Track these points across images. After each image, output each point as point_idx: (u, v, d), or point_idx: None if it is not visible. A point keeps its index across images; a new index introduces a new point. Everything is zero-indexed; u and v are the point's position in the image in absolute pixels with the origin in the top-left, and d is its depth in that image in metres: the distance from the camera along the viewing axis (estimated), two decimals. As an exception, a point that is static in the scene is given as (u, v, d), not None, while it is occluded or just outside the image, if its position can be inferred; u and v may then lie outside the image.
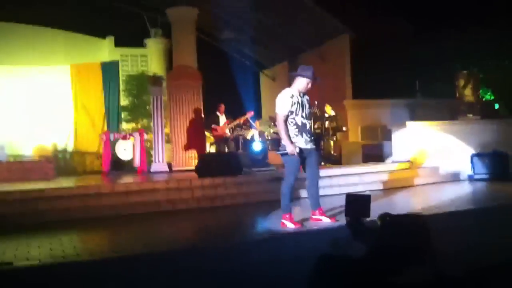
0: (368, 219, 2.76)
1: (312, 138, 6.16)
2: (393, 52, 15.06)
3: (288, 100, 5.96)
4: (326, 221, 6.12)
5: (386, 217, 2.52)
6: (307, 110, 6.08)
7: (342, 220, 6.22)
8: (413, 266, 2.27)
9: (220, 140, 12.67)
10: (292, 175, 6.00)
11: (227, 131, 12.57)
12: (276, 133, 14.56)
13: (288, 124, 6.01)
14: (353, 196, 2.62)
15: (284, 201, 6.02)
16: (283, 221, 5.97)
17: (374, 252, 2.38)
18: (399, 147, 11.64)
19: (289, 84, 6.24)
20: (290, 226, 5.91)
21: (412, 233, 2.35)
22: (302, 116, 6.01)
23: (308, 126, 6.06)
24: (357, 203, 2.55)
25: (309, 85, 6.04)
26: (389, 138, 12.08)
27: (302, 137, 5.99)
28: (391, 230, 2.42)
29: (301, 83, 6.04)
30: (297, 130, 6.00)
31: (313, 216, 6.22)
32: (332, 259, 2.44)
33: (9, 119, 14.83)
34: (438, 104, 14.48)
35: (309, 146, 6.07)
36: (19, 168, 11.93)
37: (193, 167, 10.89)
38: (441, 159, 11.11)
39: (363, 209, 2.51)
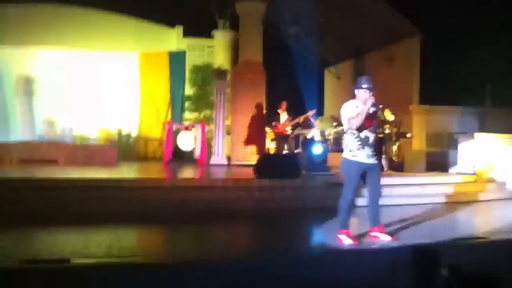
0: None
1: (374, 152, 5.98)
2: (465, 55, 14.48)
3: (354, 110, 5.81)
4: (385, 239, 5.94)
5: (455, 273, 2.37)
6: (373, 123, 5.90)
7: (401, 239, 6.08)
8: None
9: (280, 138, 12.61)
10: (351, 191, 5.85)
11: (288, 128, 12.48)
12: (338, 133, 14.37)
13: (350, 136, 5.86)
14: (422, 250, 2.47)
15: (342, 216, 5.87)
16: (340, 236, 5.85)
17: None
18: (465, 158, 11.21)
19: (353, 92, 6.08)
20: (347, 242, 5.77)
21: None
22: (366, 129, 5.84)
23: (371, 139, 5.87)
24: (426, 257, 2.41)
25: (369, 95, 5.84)
26: (455, 147, 11.65)
27: (364, 150, 5.82)
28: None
29: (361, 94, 5.87)
30: (360, 143, 5.82)
31: (371, 233, 6.05)
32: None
33: (77, 102, 15.29)
34: (509, 115, 13.82)
35: (371, 160, 5.89)
36: (83, 151, 12.32)
37: (251, 162, 10.89)
38: (510, 175, 10.63)
39: (432, 264, 2.37)
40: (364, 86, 5.84)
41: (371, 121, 5.84)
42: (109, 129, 15.68)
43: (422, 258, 2.41)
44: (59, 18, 15.15)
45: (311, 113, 12.32)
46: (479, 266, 2.43)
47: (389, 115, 12.07)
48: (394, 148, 12.04)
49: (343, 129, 6.11)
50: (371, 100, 5.74)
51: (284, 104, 12.74)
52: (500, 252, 5.74)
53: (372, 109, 5.80)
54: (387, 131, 11.86)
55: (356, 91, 5.93)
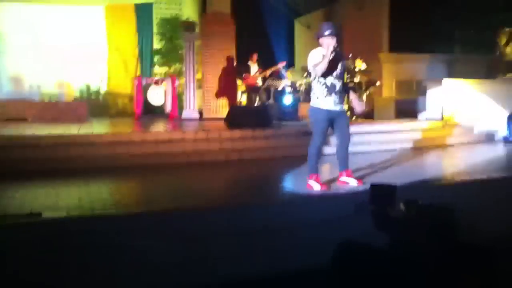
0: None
1: (342, 99, 6.02)
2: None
3: (319, 58, 5.80)
4: (353, 183, 6.08)
5: (411, 206, 2.45)
6: (338, 70, 5.90)
7: (370, 183, 6.21)
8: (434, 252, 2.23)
9: (251, 90, 12.59)
10: (319, 137, 5.92)
11: (258, 80, 12.46)
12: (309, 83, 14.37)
13: (317, 84, 5.89)
14: (378, 186, 2.55)
15: (311, 162, 5.98)
16: (309, 182, 5.95)
17: (395, 244, 2.34)
18: (433, 104, 11.37)
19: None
20: (316, 187, 5.88)
21: (438, 227, 2.29)
22: (332, 76, 5.86)
23: (338, 87, 5.89)
24: (382, 193, 2.48)
25: (334, 41, 5.81)
26: (425, 94, 11.79)
27: (331, 97, 5.86)
28: (416, 223, 2.36)
29: (325, 42, 5.83)
30: (326, 90, 5.86)
31: (340, 178, 6.18)
32: (353, 247, 2.41)
33: (43, 59, 14.94)
34: (477, 61, 13.99)
35: (339, 108, 5.95)
36: (52, 108, 12.13)
37: (223, 116, 10.90)
38: (476, 119, 10.85)
39: (389, 199, 2.44)
40: (326, 33, 5.81)
41: (335, 66, 5.84)
42: (77, 86, 15.41)
43: (378, 194, 2.49)
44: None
45: (281, 65, 12.32)
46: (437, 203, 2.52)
47: (360, 64, 12.11)
48: (364, 96, 12.14)
49: None
50: (332, 45, 5.72)
51: (254, 56, 12.68)
52: (461, 192, 5.93)
53: (333, 54, 5.76)
54: (357, 79, 11.92)
55: (320, 40, 5.90)
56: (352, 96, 6.41)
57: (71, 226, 4.70)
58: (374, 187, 2.54)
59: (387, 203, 2.44)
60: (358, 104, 6.41)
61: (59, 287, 3.26)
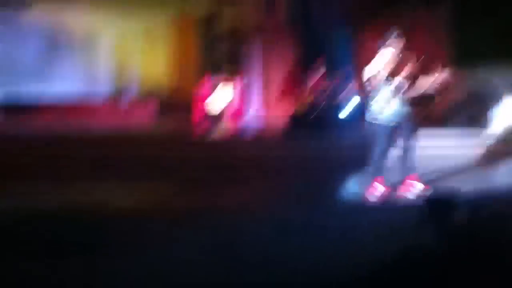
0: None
1: (409, 101, 5.90)
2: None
3: (380, 66, 5.76)
4: (419, 188, 5.91)
5: (476, 215, 2.33)
6: (403, 73, 5.81)
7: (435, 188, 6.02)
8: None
9: (316, 94, 12.55)
10: (383, 140, 5.85)
11: (322, 84, 12.44)
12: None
13: (381, 88, 5.82)
14: (437, 195, 2.43)
15: (375, 165, 5.90)
16: (374, 184, 5.85)
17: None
18: (508, 113, 10.96)
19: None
20: (380, 190, 5.78)
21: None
22: (395, 81, 5.78)
23: (401, 92, 5.81)
24: (442, 202, 2.37)
25: (397, 47, 5.74)
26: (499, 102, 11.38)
27: (394, 102, 5.78)
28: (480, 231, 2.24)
29: (388, 50, 5.78)
30: (393, 92, 5.78)
31: (405, 183, 6.02)
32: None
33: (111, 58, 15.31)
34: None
35: (403, 111, 5.84)
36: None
37: (286, 117, 10.91)
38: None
39: (449, 208, 2.32)
40: (389, 40, 5.76)
41: (398, 72, 5.77)
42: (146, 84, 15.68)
43: (438, 202, 2.38)
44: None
45: (345, 73, 12.22)
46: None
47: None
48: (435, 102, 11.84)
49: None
50: (395, 51, 5.67)
51: (320, 60, 12.64)
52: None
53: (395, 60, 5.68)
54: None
55: (383, 47, 5.87)
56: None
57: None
58: (433, 196, 2.44)
59: (448, 212, 2.34)
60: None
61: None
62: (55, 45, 14.72)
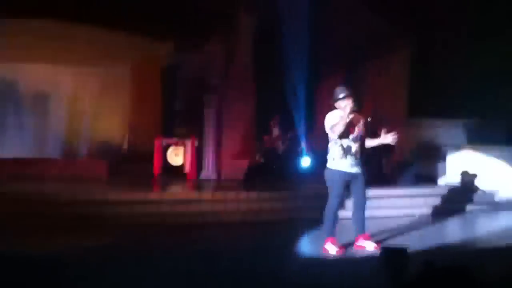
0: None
1: (358, 161, 6.01)
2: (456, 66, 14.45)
3: (336, 119, 5.86)
4: (370, 248, 5.98)
5: (429, 267, 2.40)
6: (355, 132, 5.94)
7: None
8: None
9: (269, 153, 12.68)
10: (335, 199, 5.91)
11: (278, 143, 12.59)
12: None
13: (333, 145, 5.92)
14: (389, 250, 2.51)
15: (327, 225, 5.94)
16: (326, 245, 5.88)
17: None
18: (452, 170, 11.29)
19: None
20: (332, 251, 5.80)
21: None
22: (348, 138, 5.90)
23: (354, 149, 5.92)
24: (394, 256, 2.44)
25: (350, 103, 5.86)
26: (444, 159, 11.73)
27: (347, 160, 5.88)
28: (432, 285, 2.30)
29: (342, 105, 5.90)
30: (342, 152, 5.89)
31: (357, 243, 6.09)
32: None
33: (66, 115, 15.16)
34: (498, 126, 13.90)
35: (355, 170, 5.95)
36: (72, 166, 12.25)
37: (241, 177, 10.94)
38: (497, 186, 10.73)
39: (401, 263, 2.40)
40: (341, 96, 5.92)
41: (352, 128, 5.90)
42: (98, 143, 15.57)
43: (390, 257, 2.45)
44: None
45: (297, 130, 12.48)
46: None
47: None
48: (383, 161, 12.10)
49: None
50: (349, 107, 5.79)
51: (276, 119, 12.86)
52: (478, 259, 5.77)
53: (350, 116, 5.83)
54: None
55: (336, 104, 5.99)
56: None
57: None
58: (386, 250, 2.51)
59: (400, 266, 2.40)
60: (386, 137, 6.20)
61: None
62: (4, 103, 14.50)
